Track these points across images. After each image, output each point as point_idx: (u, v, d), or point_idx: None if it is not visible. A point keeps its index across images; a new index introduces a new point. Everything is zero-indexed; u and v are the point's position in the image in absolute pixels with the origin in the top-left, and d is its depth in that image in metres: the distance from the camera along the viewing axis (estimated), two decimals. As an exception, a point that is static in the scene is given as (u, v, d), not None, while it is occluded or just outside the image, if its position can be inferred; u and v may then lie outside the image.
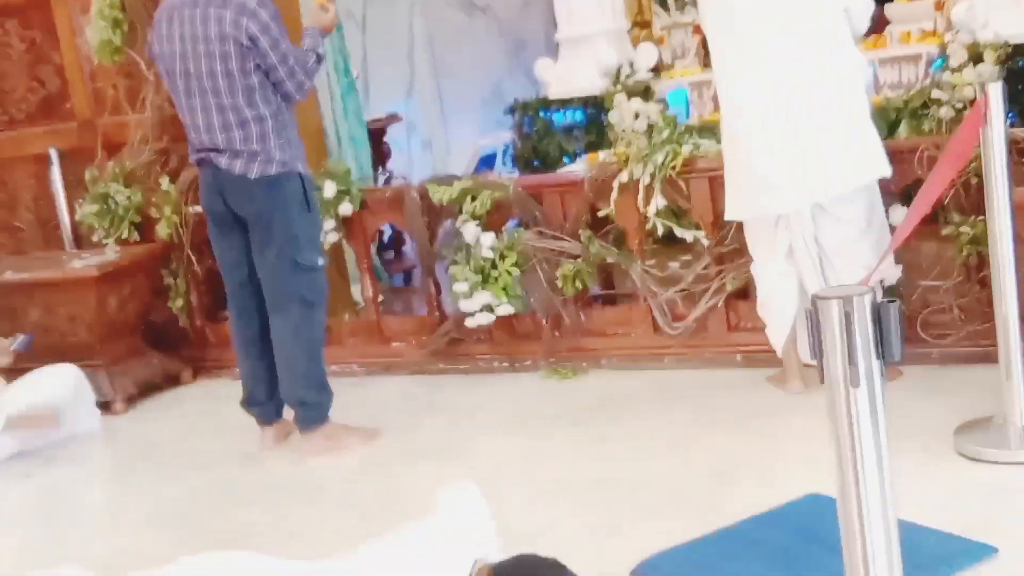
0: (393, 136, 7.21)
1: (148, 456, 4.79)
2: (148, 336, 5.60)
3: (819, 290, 1.67)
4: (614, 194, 4.64)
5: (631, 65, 6.53)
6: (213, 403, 5.25)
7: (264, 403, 4.55)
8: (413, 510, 3.76)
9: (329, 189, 5.14)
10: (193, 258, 5.52)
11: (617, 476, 3.86)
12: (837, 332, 1.63)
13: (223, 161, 4.29)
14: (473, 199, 4.91)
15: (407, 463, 4.25)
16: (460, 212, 4.94)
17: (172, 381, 5.58)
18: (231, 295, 4.53)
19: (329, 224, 5.17)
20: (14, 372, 4.97)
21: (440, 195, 4.95)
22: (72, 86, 5.93)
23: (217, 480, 4.38)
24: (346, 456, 4.38)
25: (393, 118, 7.05)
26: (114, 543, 3.91)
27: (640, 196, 4.60)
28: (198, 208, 5.09)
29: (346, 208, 5.19)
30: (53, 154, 5.91)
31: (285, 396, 4.48)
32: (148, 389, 5.47)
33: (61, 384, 4.91)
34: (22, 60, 6.04)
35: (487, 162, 7.42)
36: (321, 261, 4.42)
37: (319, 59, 4.39)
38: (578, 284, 4.81)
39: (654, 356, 4.80)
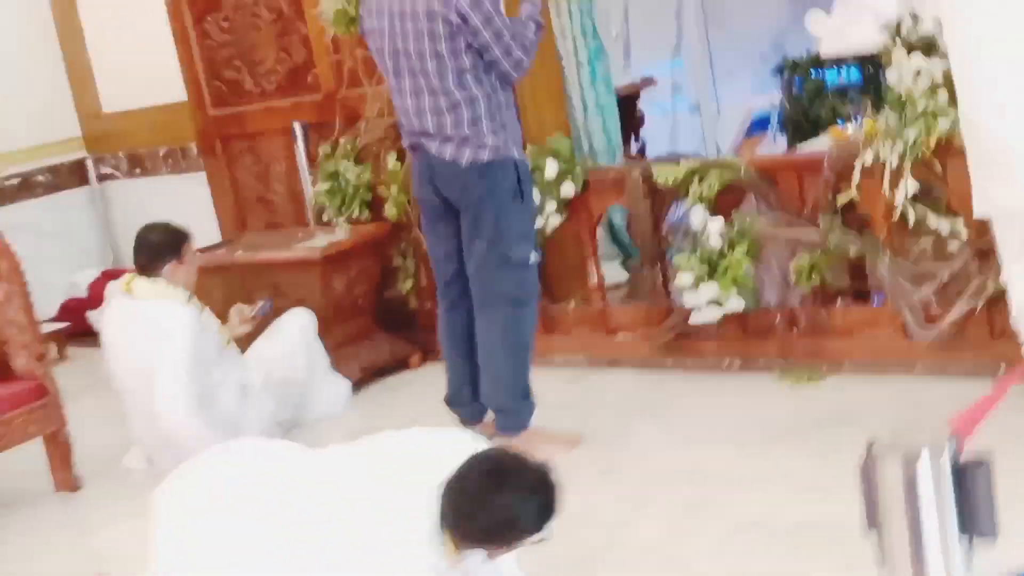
0: (655, 100, 6.74)
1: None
2: (378, 318, 5.43)
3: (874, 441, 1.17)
4: (856, 176, 4.04)
5: (914, 17, 5.76)
6: (436, 391, 5.01)
7: (468, 404, 4.28)
8: (598, 538, 3.45)
9: (551, 168, 4.77)
10: (422, 239, 5.30)
11: (832, 517, 3.32)
12: (898, 500, 1.14)
13: (433, 147, 4.00)
14: (700, 181, 4.42)
15: (601, 479, 3.87)
16: (685, 195, 4.46)
17: (401, 364, 5.38)
18: (440, 289, 4.28)
19: (551, 206, 4.81)
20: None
21: (665, 177, 4.49)
22: (316, 57, 5.82)
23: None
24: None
25: (648, 82, 6.55)
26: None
27: (887, 179, 3.97)
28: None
29: (568, 189, 4.81)
30: (297, 127, 5.83)
31: (485, 398, 4.19)
32: (376, 373, 5.30)
33: (299, 326, 4.85)
34: (270, 31, 5.97)
35: (760, 126, 6.82)
36: (534, 257, 4.06)
37: (539, 28, 4.01)
38: (815, 278, 4.24)
39: (903, 363, 4.18)
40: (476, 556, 2.61)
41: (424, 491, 2.51)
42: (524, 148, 4.22)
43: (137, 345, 4.42)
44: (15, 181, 6.95)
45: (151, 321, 4.41)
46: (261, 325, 4.89)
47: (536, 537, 2.54)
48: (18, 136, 6.93)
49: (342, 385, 5.01)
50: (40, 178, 7.07)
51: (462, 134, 3.92)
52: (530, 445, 4.05)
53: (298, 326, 4.84)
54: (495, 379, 4.12)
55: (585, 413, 4.41)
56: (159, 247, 4.48)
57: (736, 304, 4.37)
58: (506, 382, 4.10)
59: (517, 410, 4.11)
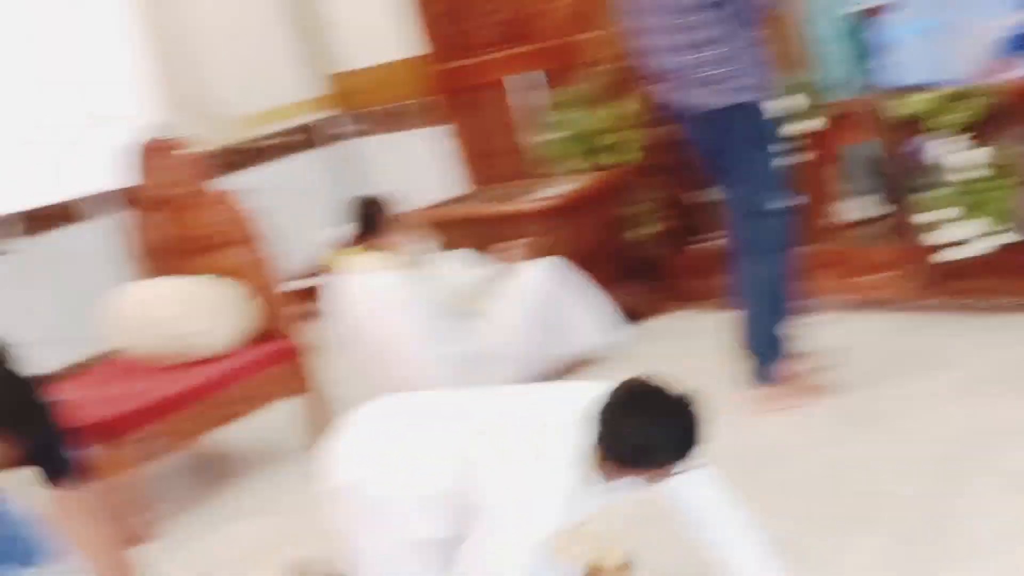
0: (890, 27, 6.32)
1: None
2: (616, 267, 5.34)
3: None
4: None
5: None
6: (680, 338, 4.91)
7: None
8: (856, 493, 3.29)
9: (790, 104, 4.55)
10: (659, 183, 5.18)
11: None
12: None
13: (681, 89, 3.85)
14: (951, 110, 4.13)
15: (858, 431, 3.70)
16: (937, 125, 4.18)
17: (642, 313, 5.26)
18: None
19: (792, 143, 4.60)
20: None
21: (910, 107, 4.22)
22: (546, 3, 5.73)
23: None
24: (791, 415, 3.90)
25: (878, 9, 6.14)
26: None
27: None
28: (662, 130, 4.78)
29: (808, 124, 4.59)
30: (528, 76, 5.78)
31: (742, 342, 4.03)
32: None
33: (531, 281, 4.69)
34: (499, -21, 5.94)
35: (1017, 46, 6.33)
36: (784, 204, 3.85)
37: None
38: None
39: None
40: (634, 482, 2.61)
41: (574, 416, 2.57)
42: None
43: (366, 317, 4.44)
44: (266, 142, 7.16)
45: (373, 294, 4.40)
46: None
47: (680, 466, 2.54)
48: (267, 98, 7.13)
49: (607, 318, 4.82)
50: (289, 138, 7.26)
51: (709, 75, 3.74)
52: (775, 398, 3.93)
53: (530, 282, 4.70)
54: (747, 324, 3.98)
55: (839, 360, 4.21)
56: (370, 220, 4.46)
57: (1000, 239, 4.08)
58: (756, 329, 3.96)
59: (765, 360, 3.96)
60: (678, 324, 5.11)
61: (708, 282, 5.10)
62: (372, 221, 4.47)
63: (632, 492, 2.65)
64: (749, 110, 3.76)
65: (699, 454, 2.54)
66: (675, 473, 2.56)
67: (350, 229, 4.52)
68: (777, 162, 3.90)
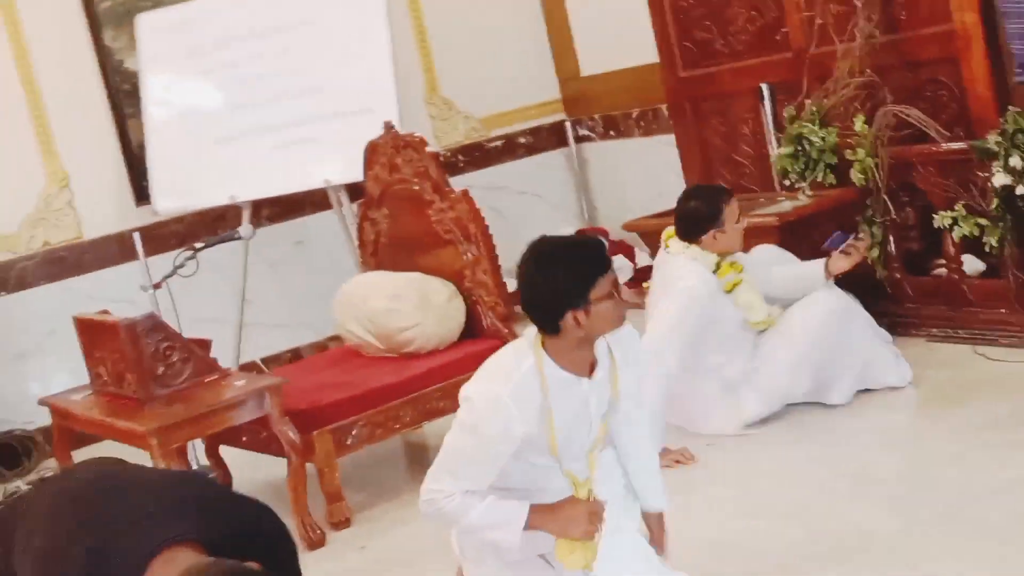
0: None
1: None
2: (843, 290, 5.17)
3: None
4: None
5: None
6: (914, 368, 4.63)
7: None
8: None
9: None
10: (890, 205, 4.99)
11: None
12: None
13: None
14: None
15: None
16: None
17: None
18: None
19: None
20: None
21: None
22: (787, 15, 5.62)
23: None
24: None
25: None
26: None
27: None
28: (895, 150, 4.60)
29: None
30: (764, 88, 5.67)
31: None
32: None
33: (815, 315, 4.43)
34: (743, -12, 5.85)
35: None
36: None
37: None
38: None
39: None
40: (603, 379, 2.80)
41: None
42: None
43: (655, 296, 4.43)
44: (499, 143, 7.28)
45: (667, 276, 4.35)
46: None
47: (598, 292, 2.65)
48: (502, 100, 7.25)
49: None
50: (522, 140, 7.36)
51: None
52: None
53: (814, 316, 4.43)
54: None
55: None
56: (694, 219, 4.27)
57: None
58: None
59: None
60: (913, 351, 4.83)
61: (938, 311, 4.90)
62: (692, 222, 4.30)
63: (594, 387, 2.79)
64: None
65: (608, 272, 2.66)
66: (598, 304, 2.64)
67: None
68: None
